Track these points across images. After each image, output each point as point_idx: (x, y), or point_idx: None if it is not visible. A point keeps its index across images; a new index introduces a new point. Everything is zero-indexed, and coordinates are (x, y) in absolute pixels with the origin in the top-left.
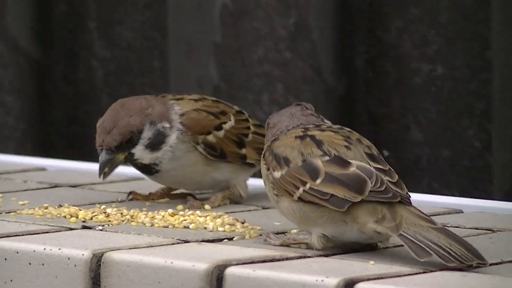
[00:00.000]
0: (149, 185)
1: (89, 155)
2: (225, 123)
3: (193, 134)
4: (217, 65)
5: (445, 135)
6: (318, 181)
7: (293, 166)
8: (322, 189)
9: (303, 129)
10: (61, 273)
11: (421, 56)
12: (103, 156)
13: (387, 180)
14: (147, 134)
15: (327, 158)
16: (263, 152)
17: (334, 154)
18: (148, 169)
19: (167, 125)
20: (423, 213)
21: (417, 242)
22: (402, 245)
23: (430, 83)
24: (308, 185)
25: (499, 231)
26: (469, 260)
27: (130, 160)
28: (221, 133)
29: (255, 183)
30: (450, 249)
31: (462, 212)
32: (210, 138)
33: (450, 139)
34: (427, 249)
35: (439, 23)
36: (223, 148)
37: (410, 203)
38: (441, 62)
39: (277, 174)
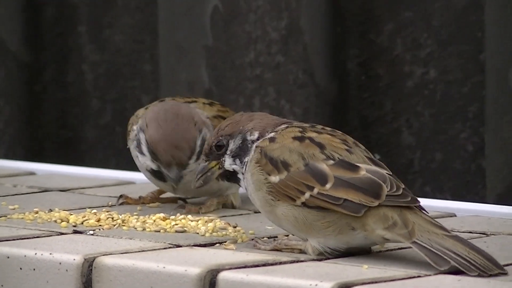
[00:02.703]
0: (139, 189)
1: (79, 159)
2: None
3: None
4: (208, 68)
5: (438, 138)
6: (328, 185)
7: (294, 171)
8: (334, 194)
9: (300, 129)
10: (52, 278)
11: (413, 59)
12: (175, 173)
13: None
14: (200, 142)
15: (331, 162)
16: (250, 158)
17: (338, 158)
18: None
19: (207, 133)
20: (435, 220)
21: (433, 250)
22: (396, 249)
23: (422, 86)
24: (316, 190)
25: (492, 234)
26: (489, 269)
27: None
28: None
29: None
30: (469, 257)
31: (455, 216)
32: None
33: (443, 142)
34: (445, 257)
35: (432, 26)
36: None
37: (423, 210)
38: (433, 65)
39: (275, 178)
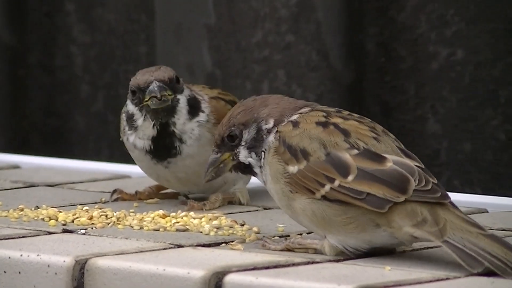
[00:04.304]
0: (135, 184)
1: (68, 151)
2: None
3: (216, 123)
4: (210, 50)
5: (466, 126)
6: (350, 178)
7: (314, 160)
8: (356, 187)
9: (325, 113)
10: (40, 282)
11: (439, 38)
12: (156, 84)
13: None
14: (187, 91)
15: (355, 151)
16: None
17: (363, 148)
18: (169, 147)
19: (201, 98)
20: (470, 217)
21: (466, 250)
22: (422, 249)
23: (449, 68)
24: (337, 182)
25: None
26: None
27: (172, 111)
28: None
29: (254, 181)
30: (506, 259)
31: (487, 212)
32: None
33: (472, 130)
34: (479, 258)
35: (459, 2)
36: None
37: (455, 206)
38: (461, 45)
39: (293, 168)
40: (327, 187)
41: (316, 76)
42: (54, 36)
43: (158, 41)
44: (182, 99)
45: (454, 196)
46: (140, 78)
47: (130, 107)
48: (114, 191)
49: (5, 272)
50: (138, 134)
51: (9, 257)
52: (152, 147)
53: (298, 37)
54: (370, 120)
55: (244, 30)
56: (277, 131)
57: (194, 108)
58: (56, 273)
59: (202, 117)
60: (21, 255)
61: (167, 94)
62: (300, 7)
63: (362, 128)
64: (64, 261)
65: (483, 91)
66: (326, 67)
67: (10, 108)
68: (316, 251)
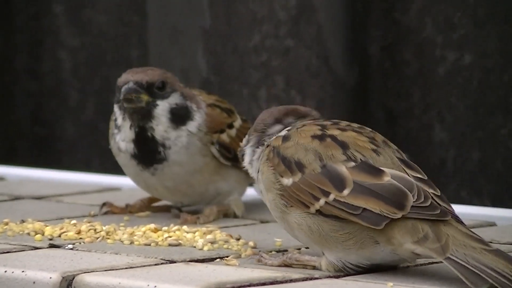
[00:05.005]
0: (126, 196)
1: (56, 161)
2: (234, 121)
3: (208, 132)
4: (205, 54)
5: (475, 134)
6: (346, 192)
7: (309, 173)
8: (352, 202)
9: (320, 127)
10: None
11: (445, 42)
12: (130, 85)
13: (432, 193)
14: (176, 98)
15: (352, 164)
16: (265, 154)
17: (361, 160)
18: (153, 152)
19: (194, 107)
20: (473, 232)
21: (469, 267)
22: (426, 264)
23: (456, 73)
24: (332, 196)
25: None
26: None
27: (147, 116)
28: (233, 132)
29: (251, 193)
30: (510, 275)
31: (495, 225)
32: (224, 137)
33: (481, 139)
34: (483, 275)
35: (467, 3)
36: (236, 149)
37: (459, 220)
38: (469, 49)
39: (288, 181)
40: (322, 201)
41: (316, 82)
42: (41, 39)
43: (150, 44)
44: (163, 106)
45: (462, 209)
46: (122, 76)
47: (115, 105)
48: (104, 204)
49: None
50: (121, 136)
51: None
52: (135, 150)
53: (297, 40)
54: (370, 130)
55: (241, 33)
56: (267, 145)
57: (179, 116)
58: None
59: (191, 126)
60: (5, 271)
61: (139, 96)
62: (300, 9)
63: (361, 139)
64: (50, 278)
65: (493, 97)
66: (327, 72)
67: None
68: (315, 268)
